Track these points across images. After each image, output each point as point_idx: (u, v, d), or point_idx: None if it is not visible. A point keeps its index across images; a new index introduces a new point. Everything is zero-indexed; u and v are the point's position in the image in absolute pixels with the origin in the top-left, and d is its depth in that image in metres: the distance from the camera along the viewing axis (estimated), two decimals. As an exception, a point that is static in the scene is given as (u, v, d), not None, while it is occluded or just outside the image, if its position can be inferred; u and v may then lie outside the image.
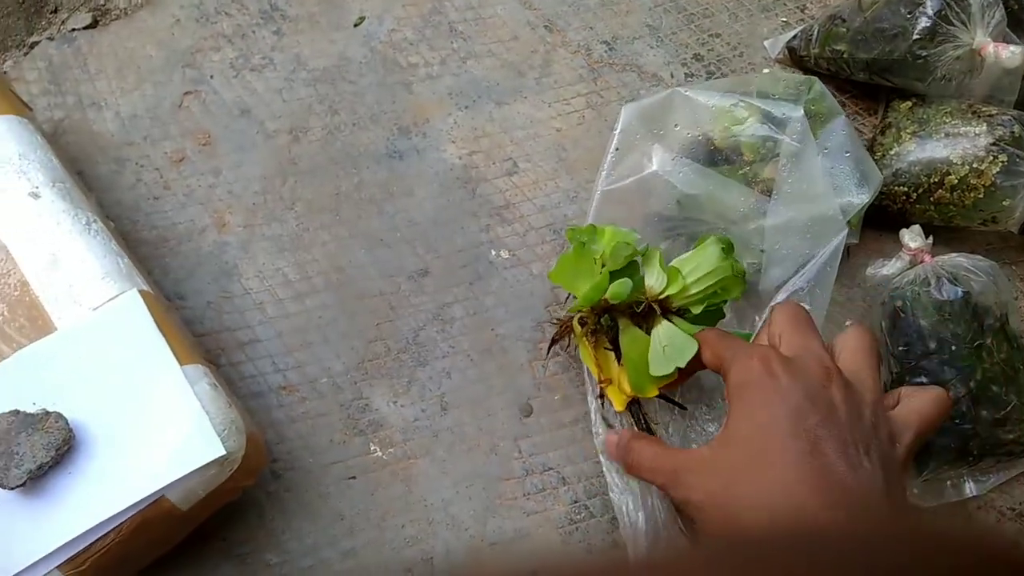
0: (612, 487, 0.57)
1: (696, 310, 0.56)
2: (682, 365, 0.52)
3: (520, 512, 0.59)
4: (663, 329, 0.54)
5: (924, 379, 0.59)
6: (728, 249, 0.57)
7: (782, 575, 0.22)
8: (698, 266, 0.57)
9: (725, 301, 0.58)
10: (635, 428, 0.59)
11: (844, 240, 0.61)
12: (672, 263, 0.58)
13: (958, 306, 0.59)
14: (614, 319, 0.57)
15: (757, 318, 0.62)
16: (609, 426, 0.59)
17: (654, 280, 0.57)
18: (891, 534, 0.26)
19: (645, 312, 0.56)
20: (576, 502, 0.60)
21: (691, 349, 0.52)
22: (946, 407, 0.48)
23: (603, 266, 0.56)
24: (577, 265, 0.57)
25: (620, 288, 0.54)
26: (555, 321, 0.63)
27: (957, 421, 0.58)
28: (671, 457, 0.48)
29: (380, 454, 0.60)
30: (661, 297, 0.56)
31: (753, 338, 0.56)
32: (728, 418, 0.46)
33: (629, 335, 0.55)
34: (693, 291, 0.56)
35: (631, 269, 0.56)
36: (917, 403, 0.48)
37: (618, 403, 0.59)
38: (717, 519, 0.43)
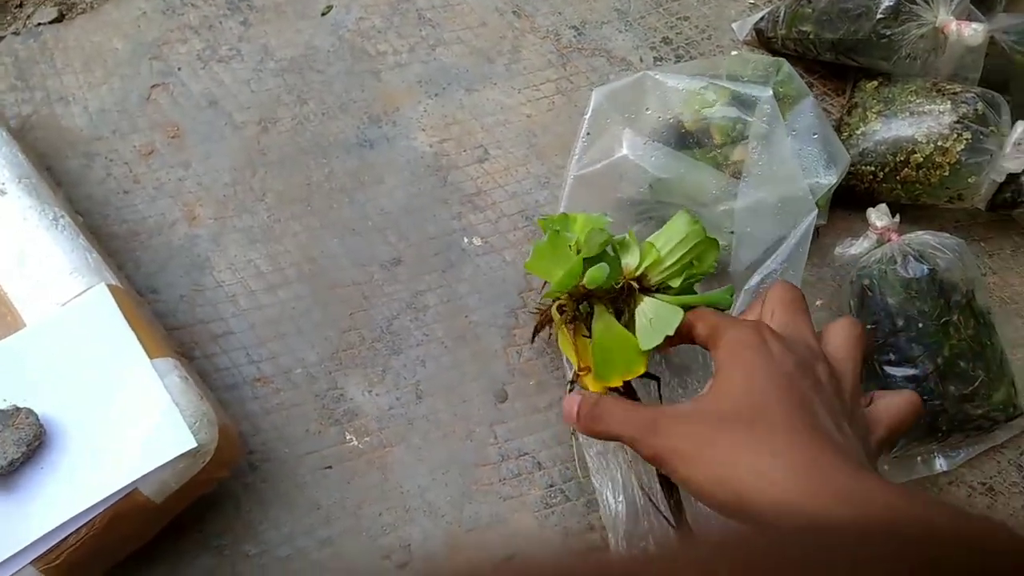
0: (593, 472, 0.58)
1: (675, 284, 0.56)
2: (671, 333, 0.51)
3: (496, 497, 0.59)
4: (646, 304, 0.54)
5: (892, 356, 0.60)
6: (697, 221, 0.57)
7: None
8: (669, 238, 0.56)
9: (702, 276, 0.58)
10: None
11: (814, 220, 0.62)
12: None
13: (924, 283, 0.60)
14: (592, 306, 0.56)
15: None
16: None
17: (629, 258, 0.56)
18: (878, 525, 0.26)
19: (625, 293, 0.55)
20: (552, 486, 0.60)
21: (677, 317, 0.51)
22: (917, 408, 0.49)
23: (578, 252, 0.56)
24: (553, 253, 0.56)
25: (597, 273, 0.54)
26: (535, 311, 0.63)
27: (926, 398, 0.59)
28: (648, 409, 0.47)
29: (356, 443, 0.60)
30: (638, 274, 0.56)
31: (742, 314, 0.56)
32: (716, 377, 0.46)
33: (603, 321, 0.55)
34: (668, 262, 0.56)
35: (607, 255, 0.56)
36: (890, 403, 0.49)
37: (595, 391, 0.58)
38: (700, 469, 0.42)
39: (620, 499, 0.56)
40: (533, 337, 0.62)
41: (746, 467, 0.40)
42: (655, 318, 0.53)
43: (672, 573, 0.22)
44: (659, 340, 0.51)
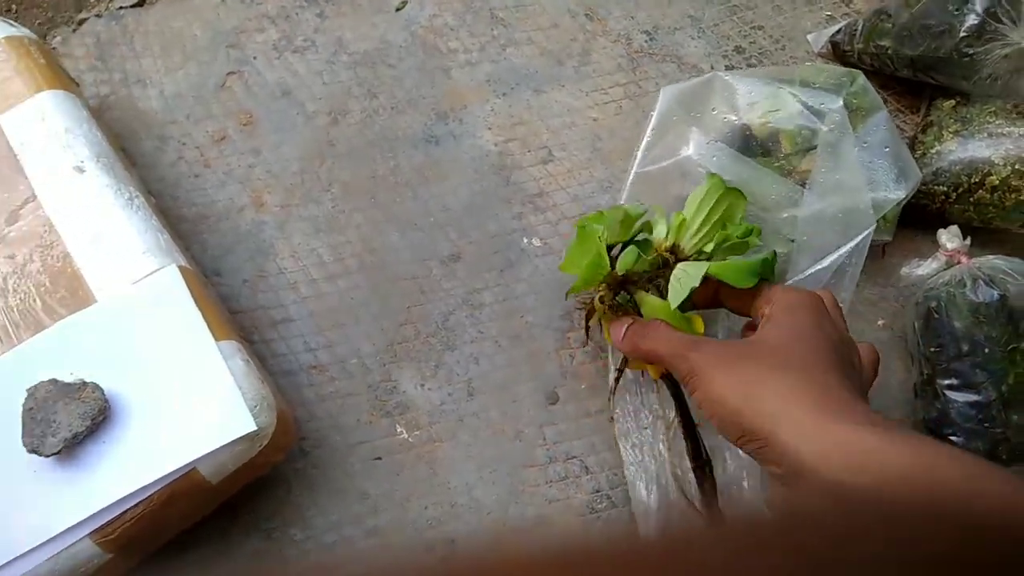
0: (627, 464, 0.58)
1: (709, 248, 0.54)
2: (695, 284, 0.50)
3: (542, 499, 0.60)
4: (676, 269, 0.52)
5: (955, 381, 0.59)
6: (715, 175, 0.56)
7: (795, 561, 0.21)
8: (693, 199, 0.55)
9: (747, 235, 0.56)
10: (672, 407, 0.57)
11: (870, 236, 0.60)
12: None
13: (994, 309, 0.59)
14: (631, 293, 0.55)
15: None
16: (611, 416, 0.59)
17: (659, 230, 0.55)
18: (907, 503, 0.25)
19: (661, 268, 0.54)
20: (598, 491, 0.60)
21: (700, 269, 0.50)
22: None
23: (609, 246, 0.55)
24: (582, 249, 0.55)
25: (628, 257, 0.53)
26: (580, 307, 0.62)
27: (987, 425, 0.58)
28: (694, 337, 0.49)
29: (406, 436, 0.61)
30: (670, 244, 0.55)
31: None
32: (765, 327, 0.47)
33: (648, 305, 0.54)
34: (696, 224, 0.55)
35: (641, 243, 0.55)
36: None
37: (653, 370, 0.57)
38: (730, 383, 0.43)
39: (653, 491, 0.56)
40: (586, 332, 0.62)
41: (774, 388, 0.41)
42: (682, 276, 0.51)
43: (704, 561, 0.22)
44: (685, 294, 0.50)
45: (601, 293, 0.56)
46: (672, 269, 0.53)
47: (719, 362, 0.44)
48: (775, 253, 0.56)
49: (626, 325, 0.52)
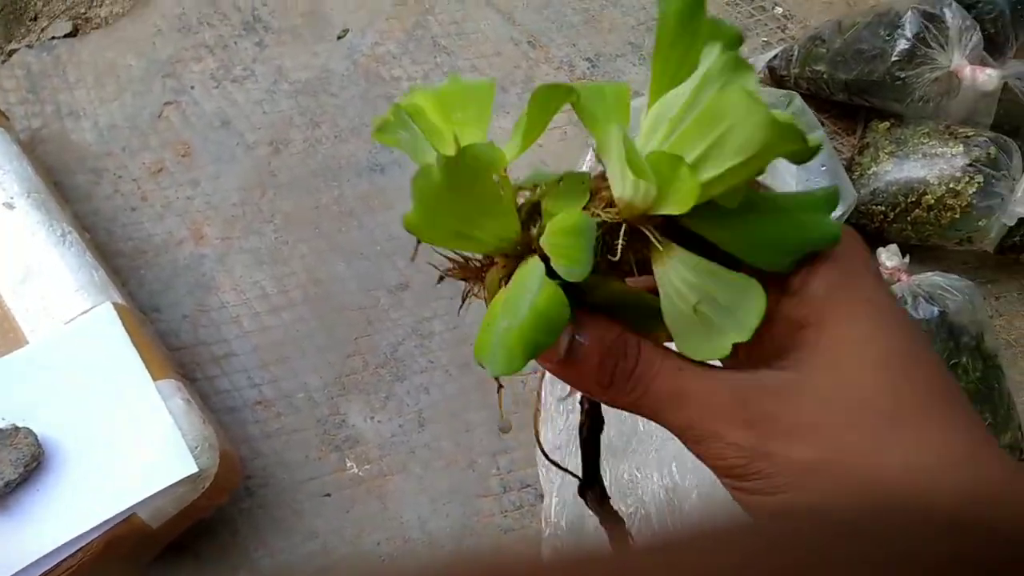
0: (543, 482, 0.57)
1: (733, 204, 0.23)
2: (756, 323, 0.23)
3: (497, 530, 0.59)
4: (679, 267, 0.24)
5: (900, 398, 0.60)
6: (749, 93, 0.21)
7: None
8: (702, 129, 0.22)
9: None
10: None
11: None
12: (640, 136, 0.23)
13: (934, 325, 0.60)
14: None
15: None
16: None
17: (628, 186, 0.23)
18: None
19: (629, 251, 0.24)
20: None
21: (757, 299, 0.23)
22: None
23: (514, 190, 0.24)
24: (460, 192, 0.22)
25: (574, 240, 0.22)
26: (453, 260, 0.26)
27: (933, 440, 0.59)
28: (713, 375, 0.24)
29: (356, 470, 0.59)
30: (651, 213, 0.24)
31: None
32: (822, 326, 0.23)
33: (605, 289, 0.24)
34: (715, 190, 0.22)
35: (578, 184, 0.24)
36: None
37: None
38: (822, 472, 0.22)
39: (564, 515, 0.56)
40: (439, 280, 0.26)
41: (897, 464, 0.23)
42: (710, 298, 0.24)
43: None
44: (726, 345, 0.24)
45: (501, 265, 0.25)
46: (652, 251, 0.24)
47: (849, 440, 0.23)
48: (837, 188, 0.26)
49: (568, 338, 0.24)
